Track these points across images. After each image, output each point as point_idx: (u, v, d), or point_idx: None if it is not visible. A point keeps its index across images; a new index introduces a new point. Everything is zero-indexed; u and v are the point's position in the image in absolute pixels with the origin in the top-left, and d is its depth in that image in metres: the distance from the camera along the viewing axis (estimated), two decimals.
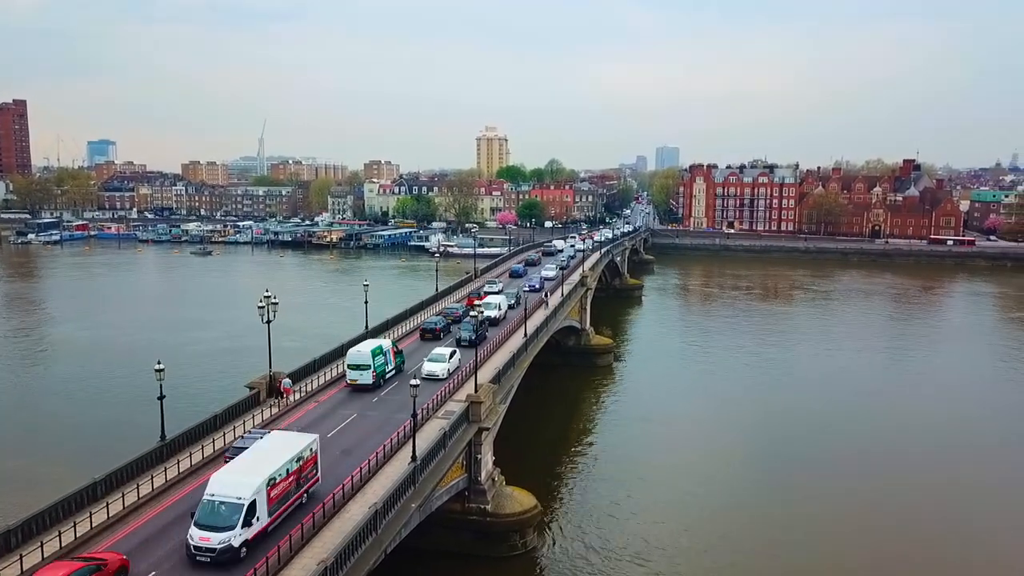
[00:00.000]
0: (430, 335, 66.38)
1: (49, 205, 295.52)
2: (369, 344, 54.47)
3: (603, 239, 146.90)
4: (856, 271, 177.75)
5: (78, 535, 31.00)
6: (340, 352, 56.92)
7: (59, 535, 30.32)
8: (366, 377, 52.03)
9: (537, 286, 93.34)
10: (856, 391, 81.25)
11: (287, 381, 49.88)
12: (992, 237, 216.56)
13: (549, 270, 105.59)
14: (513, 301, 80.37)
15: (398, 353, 57.02)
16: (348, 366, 52.91)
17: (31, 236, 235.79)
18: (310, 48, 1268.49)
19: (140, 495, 34.76)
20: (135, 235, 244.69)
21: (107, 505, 33.07)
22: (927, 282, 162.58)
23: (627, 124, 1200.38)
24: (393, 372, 55.17)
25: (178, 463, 38.08)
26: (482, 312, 64.49)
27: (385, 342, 56.66)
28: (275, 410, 47.29)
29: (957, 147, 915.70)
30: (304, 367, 53.93)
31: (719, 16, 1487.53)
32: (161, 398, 40.11)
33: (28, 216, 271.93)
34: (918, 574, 45.71)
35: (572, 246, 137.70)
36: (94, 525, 31.88)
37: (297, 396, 49.93)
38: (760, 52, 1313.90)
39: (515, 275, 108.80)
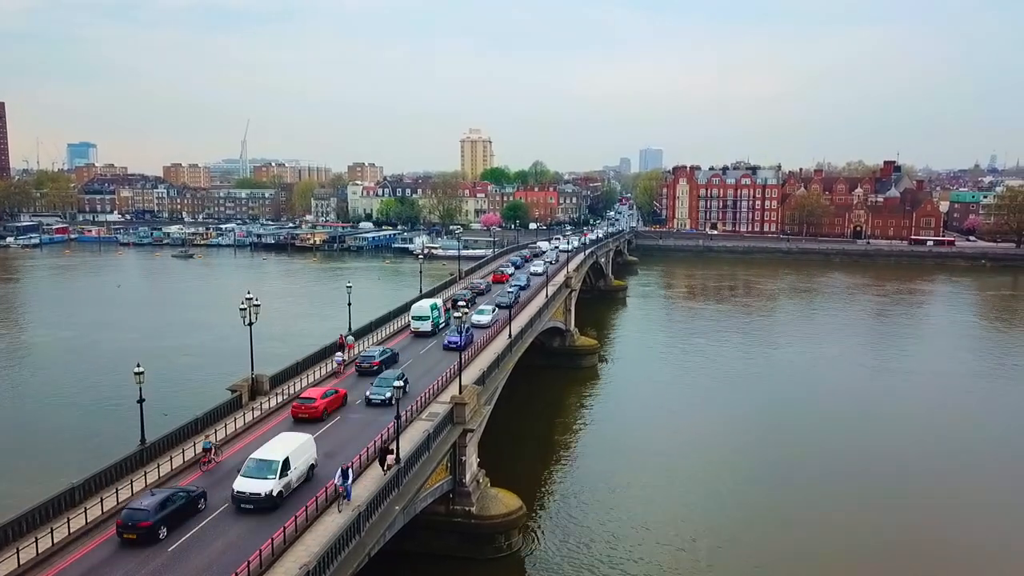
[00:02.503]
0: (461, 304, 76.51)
1: (28, 208, 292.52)
2: (428, 302, 72.09)
3: (570, 247, 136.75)
4: (838, 271, 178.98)
5: (55, 541, 30.55)
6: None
7: (36, 541, 29.87)
8: (426, 326, 69.16)
9: (458, 343, 55.82)
10: (841, 391, 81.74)
11: (350, 338, 61.80)
12: (971, 237, 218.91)
13: (483, 314, 72.12)
14: (388, 394, 47.62)
15: (447, 310, 72.45)
16: (412, 317, 70.45)
17: (9, 239, 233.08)
18: (293, 50, 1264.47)
19: (119, 500, 34.29)
20: (116, 238, 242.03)
21: (85, 511, 32.55)
22: (908, 283, 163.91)
23: (610, 126, 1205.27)
24: (444, 324, 69.89)
25: (158, 467, 37.62)
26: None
27: (439, 300, 74.90)
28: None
29: (937, 149, 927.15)
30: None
31: (705, 19, 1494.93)
32: (141, 401, 39.62)
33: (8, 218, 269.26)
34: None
35: (539, 264, 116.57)
36: (72, 531, 31.39)
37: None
38: (744, 55, 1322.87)
39: (516, 266, 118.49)
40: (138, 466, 37.48)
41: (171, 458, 38.72)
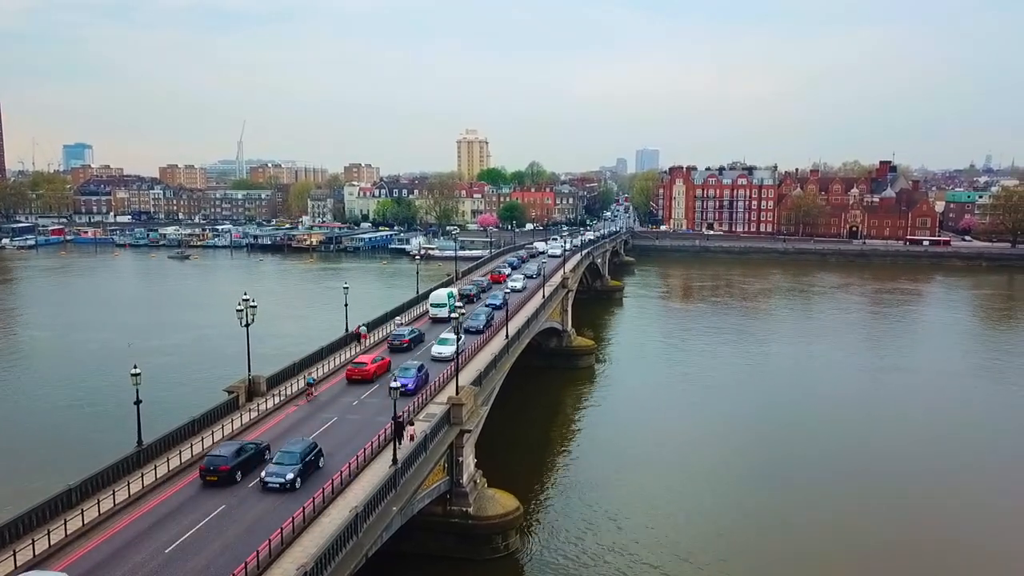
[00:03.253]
0: (465, 299, 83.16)
1: (24, 209, 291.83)
2: (445, 290, 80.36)
3: (560, 251, 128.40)
4: (834, 272, 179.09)
5: (52, 543, 30.40)
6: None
7: (32, 543, 29.72)
8: (444, 312, 74.56)
9: (408, 386, 48.87)
10: (840, 391, 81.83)
11: (363, 328, 66.09)
12: (967, 237, 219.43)
13: (444, 344, 60.16)
14: (289, 475, 36.26)
15: (461, 298, 79.80)
16: (431, 304, 77.17)
17: (5, 241, 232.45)
18: (293, 51, 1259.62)
19: (116, 501, 34.18)
20: (112, 240, 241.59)
21: (82, 512, 32.42)
22: (904, 283, 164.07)
23: (608, 127, 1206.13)
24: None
25: (155, 469, 37.49)
26: None
27: (454, 289, 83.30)
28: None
29: (936, 149, 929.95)
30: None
31: (705, 19, 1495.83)
32: (137, 403, 39.43)
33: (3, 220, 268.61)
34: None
35: (518, 278, 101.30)
36: (68, 533, 31.25)
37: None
38: (744, 55, 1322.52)
39: (513, 266, 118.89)
40: (135, 467, 37.34)
41: (168, 459, 38.60)
